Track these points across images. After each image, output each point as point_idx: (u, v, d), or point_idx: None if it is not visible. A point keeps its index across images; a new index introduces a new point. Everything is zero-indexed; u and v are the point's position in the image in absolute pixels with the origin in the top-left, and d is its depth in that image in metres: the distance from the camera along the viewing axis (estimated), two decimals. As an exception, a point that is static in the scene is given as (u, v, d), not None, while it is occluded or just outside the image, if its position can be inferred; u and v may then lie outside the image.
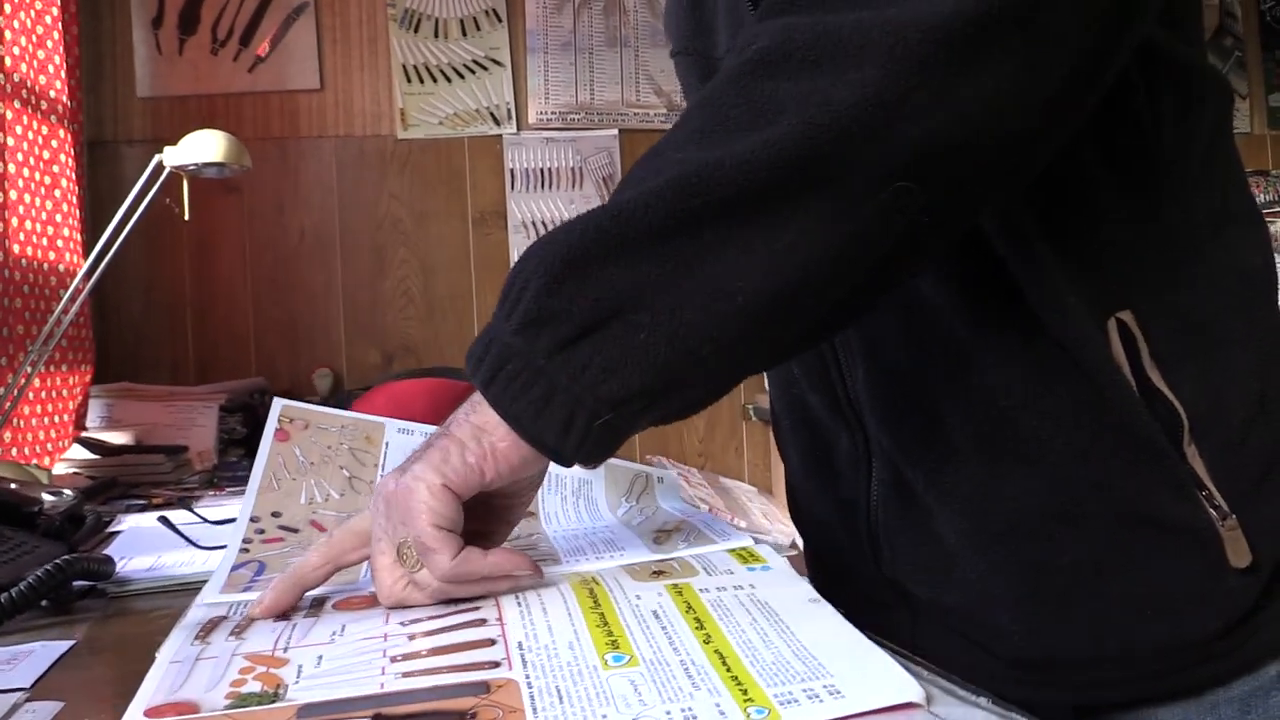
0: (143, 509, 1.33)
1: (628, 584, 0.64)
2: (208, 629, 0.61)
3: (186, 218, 1.49)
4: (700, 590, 0.62)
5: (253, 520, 0.81)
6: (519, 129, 2.39)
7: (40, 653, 0.69)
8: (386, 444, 0.89)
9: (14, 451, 1.41)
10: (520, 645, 0.55)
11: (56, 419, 1.61)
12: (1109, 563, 0.66)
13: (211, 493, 1.45)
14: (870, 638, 0.53)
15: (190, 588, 0.83)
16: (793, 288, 0.55)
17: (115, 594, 0.85)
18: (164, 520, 1.02)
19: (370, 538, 0.62)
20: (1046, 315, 0.64)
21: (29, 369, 1.33)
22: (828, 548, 0.89)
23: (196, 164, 1.47)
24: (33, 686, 0.61)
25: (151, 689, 0.53)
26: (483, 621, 0.59)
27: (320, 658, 0.55)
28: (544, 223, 2.21)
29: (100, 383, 1.80)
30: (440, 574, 0.60)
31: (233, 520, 0.87)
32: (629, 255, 0.54)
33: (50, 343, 1.36)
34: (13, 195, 1.55)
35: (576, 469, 0.93)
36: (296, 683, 0.53)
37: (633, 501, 0.90)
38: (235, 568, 0.73)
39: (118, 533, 1.10)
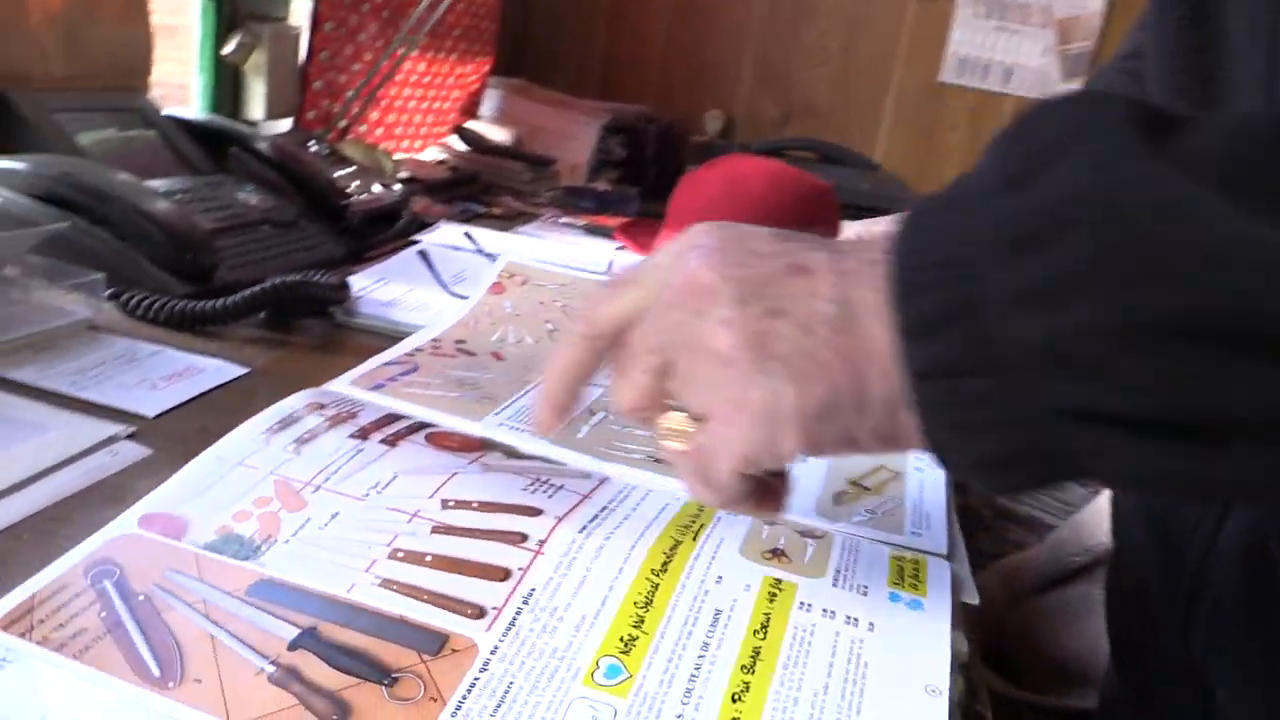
0: (473, 218, 1.35)
1: (723, 555, 0.49)
2: (286, 423, 0.56)
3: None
4: (800, 605, 0.46)
5: (434, 342, 0.75)
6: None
7: (209, 373, 0.69)
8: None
9: (379, 132, 1.47)
10: (528, 597, 0.44)
11: (440, 105, 1.66)
12: None
13: (554, 215, 1.43)
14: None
15: (400, 336, 0.80)
16: None
17: (340, 322, 0.84)
18: (422, 255, 1.00)
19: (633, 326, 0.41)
20: None
21: (400, 50, 1.35)
22: (1130, 568, 0.65)
23: None
24: (158, 416, 0.61)
25: (172, 489, 0.49)
26: (522, 538, 0.48)
27: (334, 516, 0.49)
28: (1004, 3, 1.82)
29: (500, 76, 1.83)
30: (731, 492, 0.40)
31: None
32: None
33: (423, 28, 1.36)
34: None
35: None
36: (286, 542, 0.46)
37: None
38: (389, 363, 0.68)
39: (412, 243, 1.11)
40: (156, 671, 0.39)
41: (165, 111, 1.05)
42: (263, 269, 0.90)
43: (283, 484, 0.51)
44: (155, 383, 0.66)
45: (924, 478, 0.64)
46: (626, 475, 0.58)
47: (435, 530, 0.48)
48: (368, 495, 0.50)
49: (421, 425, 0.59)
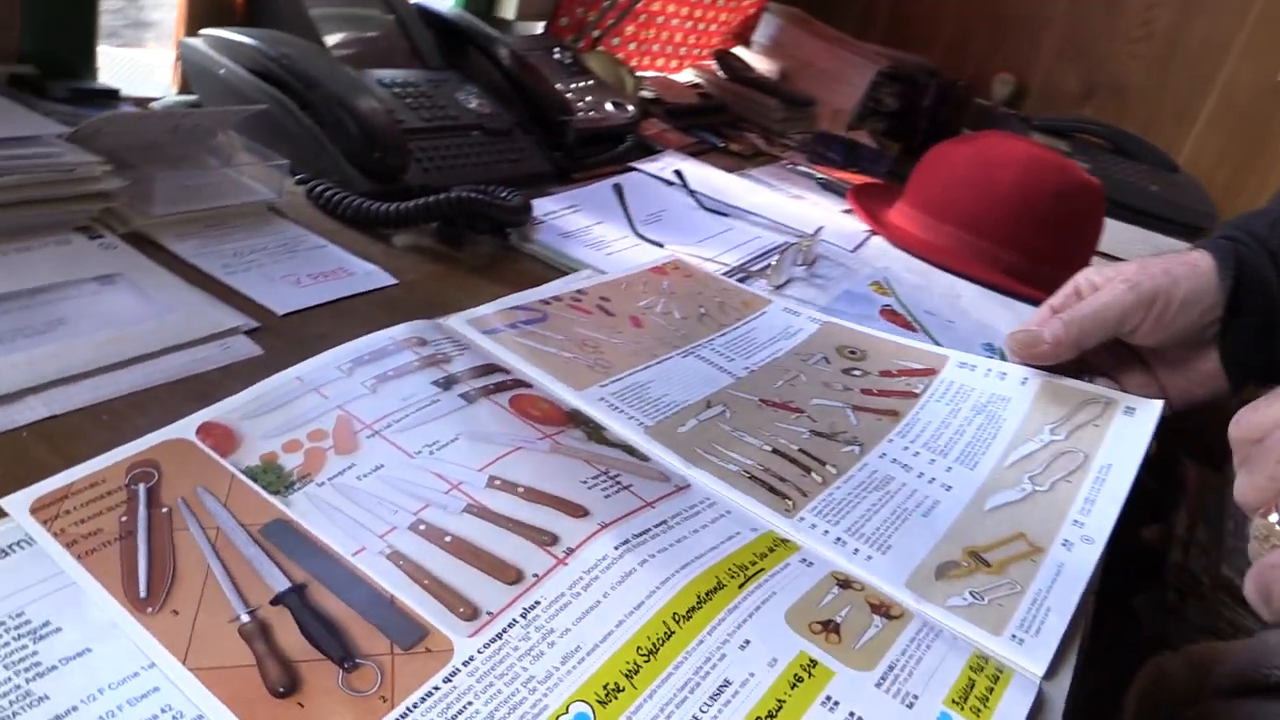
0: (707, 151, 1.30)
1: (764, 615, 0.44)
2: (377, 355, 0.55)
3: None
4: (824, 700, 0.40)
5: (579, 293, 0.71)
6: None
7: (357, 278, 0.70)
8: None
9: (632, 46, 1.43)
10: (529, 610, 0.41)
11: (707, 26, 1.60)
12: None
13: (795, 162, 1.36)
14: None
15: (568, 271, 0.78)
16: None
17: (512, 244, 0.83)
18: (616, 189, 0.96)
19: None
20: None
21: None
22: None
23: None
24: (286, 315, 0.62)
25: (241, 401, 0.49)
26: (552, 540, 0.45)
27: (377, 468, 0.47)
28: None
29: (780, 3, 1.73)
30: None
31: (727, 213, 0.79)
32: None
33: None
34: None
35: (1013, 367, 0.70)
36: (320, 484, 0.45)
37: (1059, 435, 0.64)
38: (518, 306, 0.65)
39: (629, 169, 1.08)
40: (144, 593, 0.39)
41: (415, 0, 1.06)
42: (458, 175, 0.89)
43: (345, 421, 0.49)
44: (301, 279, 0.67)
45: (1069, 560, 0.54)
46: (711, 487, 0.53)
47: (468, 509, 0.45)
48: (419, 453, 0.48)
49: (515, 383, 0.56)
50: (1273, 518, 0.40)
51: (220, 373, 0.55)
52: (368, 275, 0.70)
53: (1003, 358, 0.89)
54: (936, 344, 0.87)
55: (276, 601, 0.40)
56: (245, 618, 0.39)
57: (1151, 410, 0.66)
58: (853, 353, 0.72)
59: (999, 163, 1.07)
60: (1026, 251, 1.06)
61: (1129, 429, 0.64)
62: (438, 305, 0.68)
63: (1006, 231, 1.06)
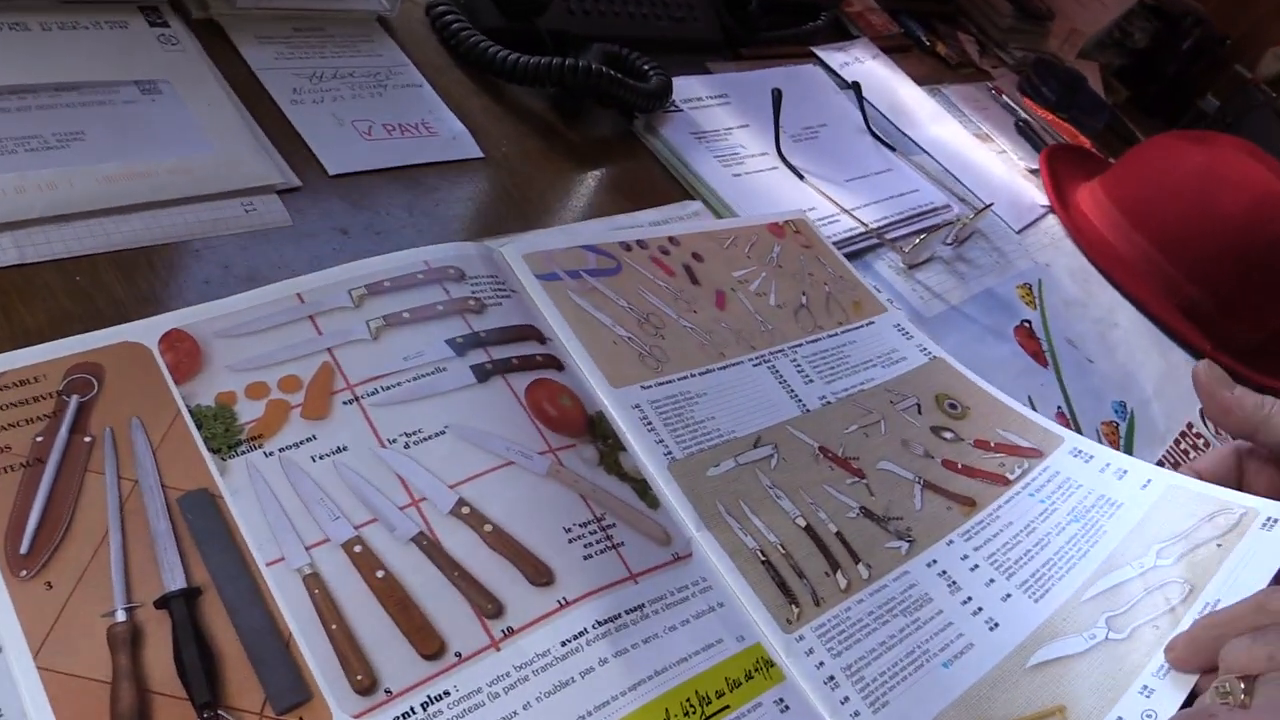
0: (905, 48, 1.13)
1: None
2: (400, 284, 0.47)
3: None
4: None
5: (672, 241, 0.61)
6: None
7: (440, 142, 0.61)
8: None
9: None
10: (430, 702, 0.36)
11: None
12: None
13: (1000, 88, 1.17)
14: None
15: (675, 186, 0.68)
16: None
17: (634, 131, 0.72)
18: (775, 96, 0.83)
19: None
20: None
21: None
22: None
23: None
24: (337, 176, 0.54)
25: (221, 311, 0.43)
26: (495, 610, 0.38)
27: (339, 449, 0.40)
28: None
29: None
30: None
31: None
32: None
33: None
34: None
35: (1138, 464, 0.58)
36: (269, 454, 0.39)
37: (1165, 559, 0.52)
38: (590, 247, 0.56)
39: (812, 55, 0.93)
40: (25, 548, 0.34)
41: None
42: (608, 26, 0.78)
43: (327, 372, 0.42)
44: (374, 127, 0.59)
45: None
46: (715, 565, 0.45)
47: (418, 539, 0.39)
48: (393, 442, 0.42)
49: (545, 361, 0.48)
50: (1242, 685, 0.40)
51: (236, 241, 0.48)
52: (452, 140, 0.61)
53: (1131, 425, 0.77)
54: (1063, 383, 0.76)
55: (162, 604, 0.35)
56: (121, 615, 0.34)
57: None
58: (953, 407, 0.61)
59: (1229, 184, 0.89)
60: (1214, 294, 0.90)
61: (1261, 548, 0.49)
62: (513, 203, 0.59)
63: (1203, 264, 0.90)
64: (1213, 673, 0.44)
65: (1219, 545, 0.51)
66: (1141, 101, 1.41)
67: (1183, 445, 0.78)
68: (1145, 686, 0.46)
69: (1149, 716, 0.45)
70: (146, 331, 0.41)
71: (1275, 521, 0.51)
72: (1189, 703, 0.46)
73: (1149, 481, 0.57)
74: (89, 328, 0.40)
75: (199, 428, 0.39)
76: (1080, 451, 0.60)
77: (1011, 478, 0.58)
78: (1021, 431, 0.61)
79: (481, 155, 0.62)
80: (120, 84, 0.51)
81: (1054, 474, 0.59)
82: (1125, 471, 0.58)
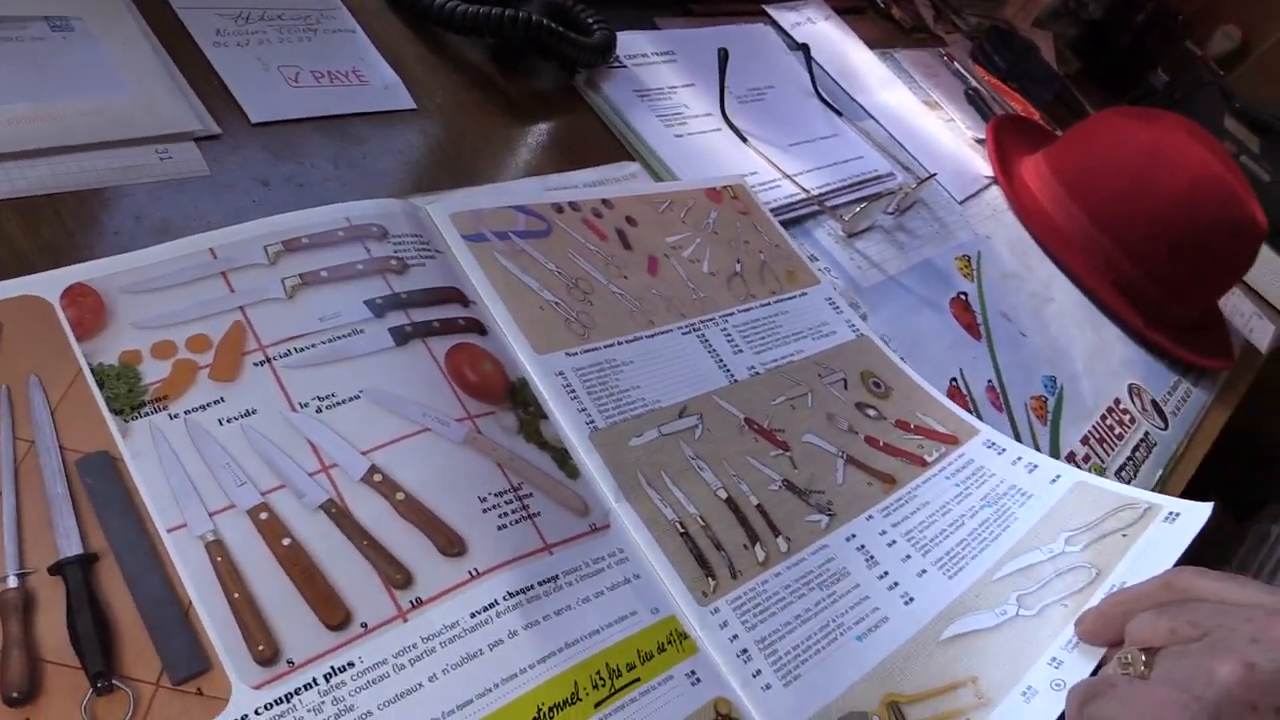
0: (862, 10, 1.11)
1: None
2: (319, 242, 0.46)
3: None
4: None
5: (605, 204, 0.59)
6: None
7: (370, 91, 0.59)
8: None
9: None
10: (335, 672, 0.35)
11: None
12: None
13: (952, 56, 1.17)
14: None
15: (615, 145, 0.67)
16: None
17: (574, 86, 0.71)
18: (721, 56, 0.81)
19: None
20: None
21: None
22: None
23: None
24: (260, 125, 0.52)
25: (127, 265, 0.41)
26: (404, 580, 0.38)
27: (248, 412, 0.39)
28: None
29: None
30: None
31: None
32: None
33: None
34: None
35: (1048, 460, 0.59)
36: (173, 416, 0.38)
37: (1074, 545, 0.53)
38: (520, 208, 0.55)
39: (763, 14, 0.92)
40: (-92, 508, 0.33)
41: None
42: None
43: (239, 332, 0.41)
44: (301, 73, 0.57)
45: (1022, 715, 0.46)
46: (632, 536, 0.45)
47: (326, 506, 0.38)
48: (305, 406, 0.41)
49: (467, 324, 0.47)
50: (1144, 657, 0.42)
51: (148, 190, 0.46)
52: (384, 90, 0.60)
53: (1060, 400, 0.78)
54: (995, 357, 0.76)
55: (56, 570, 0.34)
56: (13, 581, 0.33)
57: (1198, 514, 0.52)
58: (877, 385, 0.61)
59: (1168, 165, 0.90)
60: (1150, 272, 0.92)
61: (1163, 538, 0.52)
62: (445, 158, 0.58)
63: (1140, 243, 0.91)
64: (1119, 646, 0.45)
65: (1124, 535, 0.53)
66: (1093, 73, 1.41)
67: (1109, 421, 0.79)
68: (1054, 658, 0.47)
69: (1058, 686, 0.46)
70: (48, 285, 0.39)
71: (1177, 515, 0.53)
72: (1095, 674, 0.48)
73: (1058, 476, 0.58)
74: (-13, 279, 0.38)
75: (101, 387, 0.38)
76: (994, 444, 0.61)
77: (929, 460, 0.58)
78: (940, 418, 0.61)
79: (414, 107, 0.60)
80: (29, 19, 0.48)
81: (968, 461, 0.59)
82: (1035, 466, 0.59)
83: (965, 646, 0.48)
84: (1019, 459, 0.60)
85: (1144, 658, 0.42)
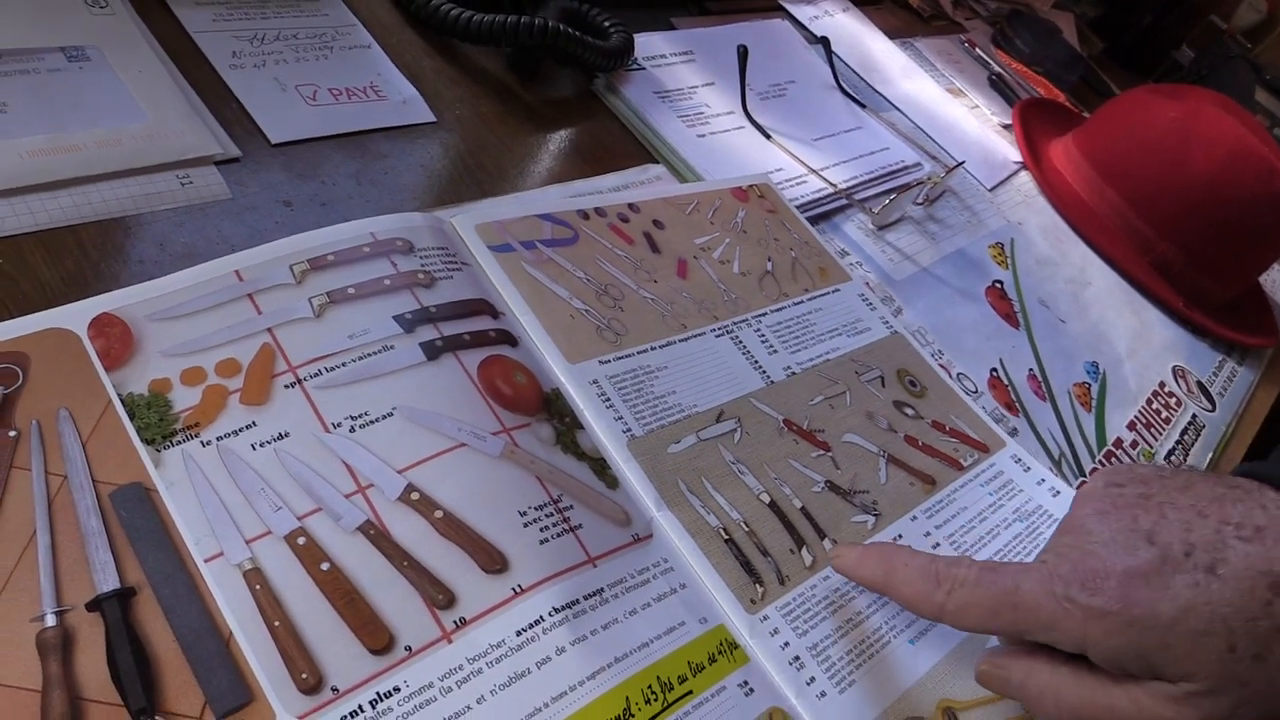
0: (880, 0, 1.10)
1: None
2: (344, 258, 0.45)
3: None
4: None
5: (631, 208, 0.58)
6: None
7: (389, 107, 0.59)
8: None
9: None
10: (380, 699, 0.34)
11: None
12: None
13: (975, 41, 1.15)
14: None
15: (636, 148, 0.66)
16: None
17: (595, 91, 0.70)
18: (740, 54, 0.80)
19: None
20: None
21: None
22: None
23: None
24: (280, 145, 0.52)
25: (154, 293, 0.41)
26: (447, 600, 0.37)
27: (280, 436, 0.39)
28: None
29: None
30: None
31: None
32: None
33: None
34: None
35: (1068, 488, 0.58)
36: (206, 443, 0.37)
37: None
38: (547, 217, 0.54)
39: (781, 10, 0.91)
40: (-57, 548, 0.33)
41: None
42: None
43: (268, 354, 0.41)
44: (319, 92, 0.56)
45: None
46: (676, 545, 0.44)
47: (364, 528, 0.37)
48: (338, 426, 0.40)
49: (498, 337, 0.46)
50: None
51: (170, 216, 0.46)
52: (402, 104, 0.59)
53: (1103, 386, 0.76)
54: (1035, 345, 0.75)
55: (94, 606, 0.33)
56: (51, 619, 0.32)
57: None
58: (913, 384, 0.60)
59: (1202, 140, 0.88)
60: (1188, 251, 0.89)
61: None
62: (467, 169, 0.57)
63: (1176, 221, 0.89)
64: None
65: None
66: (1116, 53, 1.39)
67: (1154, 405, 0.77)
68: None
69: None
70: (75, 316, 0.39)
71: None
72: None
73: None
74: (13, 314, 0.38)
75: (131, 418, 0.37)
76: (1020, 460, 0.60)
77: (965, 464, 0.57)
78: (971, 424, 0.60)
79: (434, 119, 0.59)
80: (45, 51, 0.48)
81: (999, 472, 0.58)
82: (1059, 493, 0.58)
83: None
84: (1043, 481, 0.58)
85: None
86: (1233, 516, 0.36)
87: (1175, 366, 0.84)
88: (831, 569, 0.46)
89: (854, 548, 0.45)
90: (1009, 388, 0.68)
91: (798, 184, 0.71)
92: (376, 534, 0.38)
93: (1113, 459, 0.69)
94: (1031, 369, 0.72)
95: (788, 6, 0.94)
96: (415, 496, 0.39)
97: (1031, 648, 0.40)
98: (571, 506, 0.42)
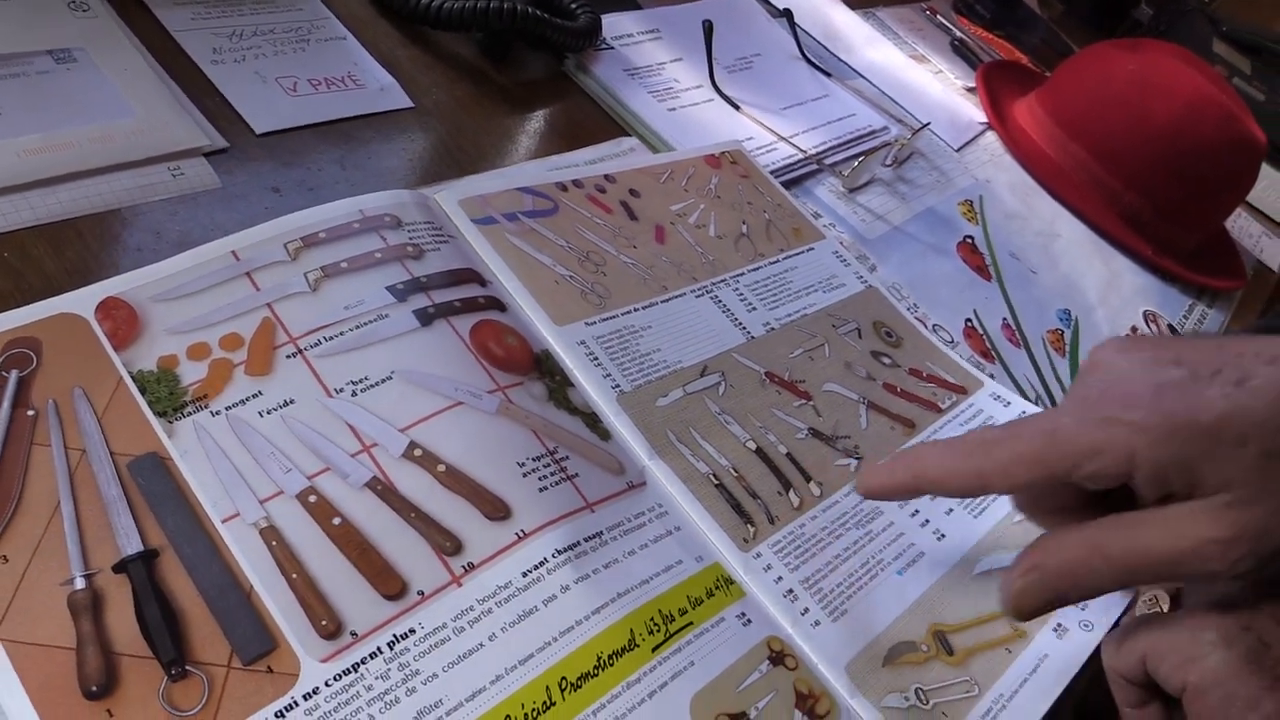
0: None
1: (666, 696, 0.38)
2: (336, 234, 0.47)
3: None
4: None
5: (608, 179, 0.60)
6: None
7: (366, 94, 0.60)
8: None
9: None
10: (398, 639, 0.36)
11: None
12: None
13: (936, 8, 1.17)
14: None
15: (609, 121, 0.68)
16: None
17: (566, 71, 0.72)
18: (706, 28, 0.82)
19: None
20: None
21: None
22: None
23: None
24: (265, 135, 0.54)
25: (156, 275, 0.42)
26: (454, 547, 0.39)
27: (286, 403, 0.41)
28: None
29: None
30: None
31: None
32: None
33: None
34: None
35: None
36: (215, 413, 0.39)
37: None
38: (527, 189, 0.56)
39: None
40: (-28, 521, 0.34)
41: None
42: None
43: (269, 327, 0.42)
44: (299, 83, 0.58)
45: (1056, 651, 0.48)
46: (669, 490, 0.46)
47: (372, 484, 0.39)
48: (340, 391, 0.42)
49: (487, 302, 0.48)
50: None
51: (163, 206, 0.47)
52: (380, 92, 0.61)
53: (1076, 332, 0.79)
54: (1008, 295, 0.77)
55: (120, 568, 0.35)
56: (80, 582, 0.34)
57: None
58: (889, 335, 0.62)
59: (1161, 91, 0.90)
60: (1154, 200, 0.92)
61: None
62: (446, 151, 0.59)
63: (1141, 172, 0.92)
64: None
65: None
66: (1078, 13, 1.41)
67: (1125, 347, 0.79)
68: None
69: (1085, 626, 0.50)
70: (81, 302, 0.41)
71: None
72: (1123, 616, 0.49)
73: None
74: (22, 303, 0.40)
75: (143, 393, 0.39)
76: (999, 397, 0.62)
77: (943, 406, 0.59)
78: (947, 369, 0.62)
79: (412, 105, 0.61)
80: (33, 54, 0.50)
81: (978, 410, 0.60)
82: None
83: (996, 582, 0.49)
84: (1023, 413, 0.60)
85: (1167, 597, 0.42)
86: (1251, 348, 0.36)
87: (1146, 311, 0.86)
88: (856, 491, 0.48)
89: (875, 466, 0.42)
90: (984, 336, 0.70)
91: (768, 151, 0.73)
92: (384, 489, 0.40)
93: (1087, 398, 0.71)
94: (1005, 318, 0.74)
95: (751, -18, 0.96)
96: (418, 453, 0.41)
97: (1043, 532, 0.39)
98: (567, 457, 0.44)
